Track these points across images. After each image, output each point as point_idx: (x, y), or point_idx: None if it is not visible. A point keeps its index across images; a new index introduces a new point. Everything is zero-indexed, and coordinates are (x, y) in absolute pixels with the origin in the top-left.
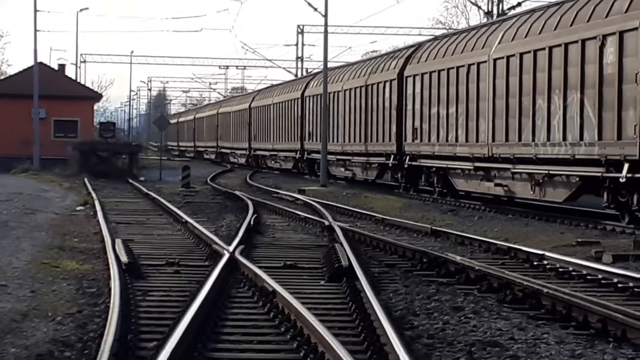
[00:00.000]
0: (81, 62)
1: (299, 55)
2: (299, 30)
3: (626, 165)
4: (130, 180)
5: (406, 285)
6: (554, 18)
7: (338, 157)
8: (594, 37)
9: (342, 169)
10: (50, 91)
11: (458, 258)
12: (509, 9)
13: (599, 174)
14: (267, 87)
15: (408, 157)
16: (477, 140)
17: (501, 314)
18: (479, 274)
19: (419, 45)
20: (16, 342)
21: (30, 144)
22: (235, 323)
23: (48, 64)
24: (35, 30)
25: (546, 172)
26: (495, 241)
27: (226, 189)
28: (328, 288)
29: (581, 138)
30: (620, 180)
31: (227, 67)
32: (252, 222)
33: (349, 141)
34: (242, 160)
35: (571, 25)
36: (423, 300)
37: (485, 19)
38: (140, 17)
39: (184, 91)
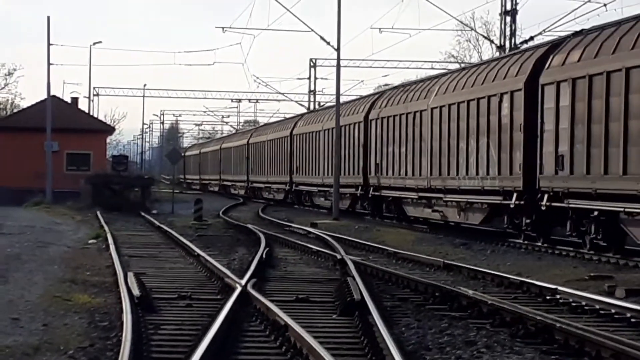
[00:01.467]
0: (94, 95)
1: (312, 88)
2: (312, 64)
3: (515, 195)
4: (143, 213)
5: (418, 319)
6: (472, 77)
7: (319, 188)
8: (495, 94)
9: (323, 199)
10: (63, 124)
11: (470, 292)
12: (522, 42)
13: (499, 201)
14: (262, 125)
15: (372, 188)
16: (420, 174)
17: (514, 349)
18: (492, 308)
19: (382, 93)
20: None
21: (43, 177)
22: (247, 357)
23: (61, 97)
24: (49, 64)
25: (466, 200)
26: (508, 275)
27: (238, 222)
28: (340, 322)
29: (487, 173)
30: (511, 206)
31: (240, 100)
32: (264, 256)
33: (328, 174)
34: (242, 192)
35: (482, 84)
36: (435, 335)
37: (497, 53)
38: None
39: (196, 124)
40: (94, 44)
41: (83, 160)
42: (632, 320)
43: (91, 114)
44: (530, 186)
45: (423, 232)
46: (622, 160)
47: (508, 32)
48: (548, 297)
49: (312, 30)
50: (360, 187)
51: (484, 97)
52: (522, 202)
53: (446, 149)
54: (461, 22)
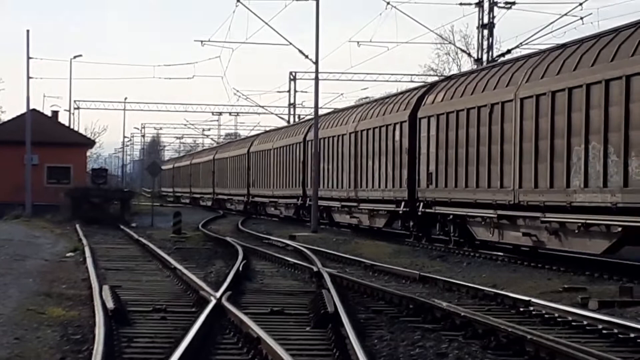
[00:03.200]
0: (75, 108)
1: (292, 101)
2: (292, 77)
3: (402, 203)
4: (122, 227)
5: (391, 332)
6: (377, 109)
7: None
8: (390, 124)
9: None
10: (44, 138)
11: (444, 304)
12: (499, 56)
13: (393, 208)
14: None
15: (308, 199)
16: (342, 187)
17: None
18: (465, 320)
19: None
20: None
21: (22, 191)
22: None
23: (41, 110)
24: (28, 77)
25: (373, 207)
26: (483, 287)
27: (217, 235)
28: (313, 334)
29: (386, 186)
30: (400, 212)
31: (220, 113)
32: (240, 269)
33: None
34: (240, 207)
35: (383, 115)
36: (407, 347)
37: (475, 66)
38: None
39: (177, 137)
40: (74, 57)
41: (63, 173)
42: (604, 331)
43: (72, 127)
44: (412, 196)
45: (400, 244)
46: (465, 176)
47: (485, 46)
48: (522, 309)
49: (291, 43)
50: (300, 198)
51: (384, 126)
52: (407, 209)
53: (359, 166)
54: (440, 36)
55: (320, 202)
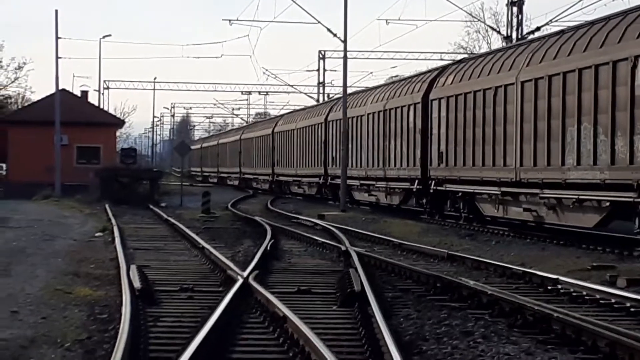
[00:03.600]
0: (104, 88)
1: (321, 80)
2: (321, 56)
3: (416, 181)
4: (151, 206)
5: (418, 310)
6: (392, 91)
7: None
8: (405, 105)
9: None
10: (73, 118)
11: (471, 282)
12: (528, 33)
13: (408, 186)
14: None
15: (330, 178)
16: (360, 166)
17: (510, 339)
18: (491, 298)
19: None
20: None
21: (52, 171)
22: (244, 349)
23: (71, 90)
24: (57, 57)
25: (389, 186)
26: (511, 265)
27: (246, 215)
28: (340, 313)
29: (402, 165)
30: (414, 190)
31: (250, 92)
32: (268, 248)
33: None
34: (266, 186)
35: (398, 97)
36: (434, 325)
37: (504, 44)
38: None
39: (207, 117)
40: (104, 37)
41: (93, 153)
42: (632, 309)
43: (101, 107)
44: (424, 175)
45: (429, 223)
46: (472, 155)
47: (515, 23)
48: (549, 287)
49: (319, 22)
50: (321, 177)
51: (399, 107)
52: (420, 187)
53: (376, 146)
54: (469, 14)
55: (339, 181)
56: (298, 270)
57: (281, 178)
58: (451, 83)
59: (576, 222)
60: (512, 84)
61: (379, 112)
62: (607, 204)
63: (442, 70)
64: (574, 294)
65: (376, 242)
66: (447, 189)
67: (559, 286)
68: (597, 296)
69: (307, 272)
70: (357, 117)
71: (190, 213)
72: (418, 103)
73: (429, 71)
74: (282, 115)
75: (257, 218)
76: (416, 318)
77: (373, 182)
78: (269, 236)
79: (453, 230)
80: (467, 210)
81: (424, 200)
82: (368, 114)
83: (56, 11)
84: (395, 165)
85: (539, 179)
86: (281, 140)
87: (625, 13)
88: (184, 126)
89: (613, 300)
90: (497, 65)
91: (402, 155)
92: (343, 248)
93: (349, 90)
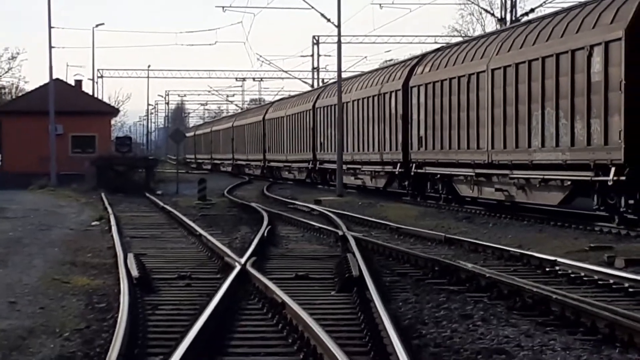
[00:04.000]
0: (98, 77)
1: (315, 66)
2: (315, 41)
3: (398, 165)
4: (147, 194)
5: (416, 294)
6: (376, 78)
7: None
8: (387, 92)
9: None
10: (67, 107)
11: (469, 265)
12: (522, 15)
13: (390, 170)
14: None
15: (318, 162)
16: (346, 150)
17: (509, 321)
18: (490, 281)
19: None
20: (21, 359)
21: (47, 160)
22: (243, 335)
23: (65, 80)
24: (50, 47)
25: (373, 169)
26: (508, 248)
27: (242, 201)
28: (338, 298)
29: (384, 149)
30: (396, 173)
31: (244, 79)
32: (265, 234)
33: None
34: (258, 172)
35: (380, 84)
36: (432, 309)
37: (498, 26)
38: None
39: (201, 104)
40: (97, 26)
41: (88, 142)
42: (630, 290)
43: (96, 96)
44: (406, 159)
45: (425, 206)
46: (449, 139)
47: (509, 5)
48: (547, 269)
49: (312, 7)
50: (310, 162)
51: (382, 94)
52: (402, 170)
53: (361, 131)
54: None
55: (327, 165)
56: (296, 256)
57: (272, 164)
58: (429, 71)
59: (543, 200)
60: (484, 71)
61: (363, 98)
62: (569, 182)
63: (421, 58)
64: (572, 275)
65: (373, 227)
66: (427, 171)
67: (557, 268)
68: (596, 277)
69: (305, 258)
70: (344, 103)
71: (186, 200)
72: (399, 90)
73: (409, 59)
74: (272, 103)
75: (253, 204)
76: (415, 302)
77: (359, 166)
78: (265, 222)
79: (450, 213)
80: (446, 191)
81: (406, 183)
82: (353, 101)
83: (49, 0)
84: (379, 150)
85: (508, 160)
86: (272, 127)
87: (583, 5)
88: (178, 114)
89: (611, 281)
90: (470, 54)
91: (385, 140)
92: (340, 233)
93: (343, 75)
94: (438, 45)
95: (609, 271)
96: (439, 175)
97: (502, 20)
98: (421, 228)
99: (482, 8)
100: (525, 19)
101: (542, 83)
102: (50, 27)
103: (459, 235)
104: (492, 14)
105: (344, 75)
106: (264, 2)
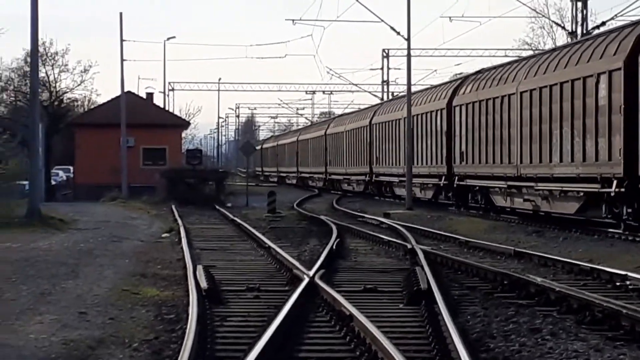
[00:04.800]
0: (169, 90)
1: (385, 79)
2: (384, 54)
3: (443, 177)
4: (217, 207)
5: (485, 308)
6: (425, 97)
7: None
8: (433, 110)
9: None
10: (139, 120)
11: (539, 279)
12: (593, 28)
13: (436, 182)
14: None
15: (375, 175)
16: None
17: (579, 336)
18: (559, 295)
19: (465, 78)
20: None
21: (119, 173)
22: (311, 347)
23: (136, 92)
24: (122, 60)
25: (422, 182)
26: (578, 262)
27: (312, 214)
28: (406, 311)
29: (432, 162)
30: (441, 184)
31: (314, 92)
32: (334, 247)
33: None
34: (320, 184)
35: (429, 102)
36: (501, 323)
37: (569, 39)
38: (225, 44)
39: (271, 117)
40: (168, 39)
41: (159, 155)
42: None
43: (167, 108)
44: (450, 172)
45: (495, 220)
46: (485, 153)
47: (580, 18)
48: (618, 283)
49: (382, 20)
50: (367, 175)
51: (428, 112)
52: (446, 182)
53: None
54: (534, 10)
55: (383, 178)
56: (364, 268)
57: (333, 177)
58: (469, 92)
59: (562, 209)
60: (514, 94)
61: (414, 115)
62: (582, 193)
63: (464, 79)
64: None
65: (442, 240)
66: (468, 183)
67: (628, 282)
68: None
69: (373, 271)
70: (396, 120)
71: (256, 213)
72: (443, 109)
73: (453, 80)
74: (333, 118)
75: (322, 217)
76: (483, 316)
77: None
78: (334, 235)
79: (520, 227)
80: (484, 202)
81: (450, 194)
82: (404, 118)
83: (120, 14)
84: (426, 163)
85: (534, 173)
86: (332, 141)
87: (595, 37)
88: (249, 126)
89: None
90: (504, 77)
91: (432, 155)
92: (409, 246)
93: (413, 89)
94: (509, 59)
95: None
96: (477, 187)
97: (573, 34)
98: (490, 242)
99: (552, 21)
100: (596, 32)
101: (560, 105)
102: (122, 40)
103: (529, 249)
104: (563, 27)
105: (415, 88)
106: (333, 15)
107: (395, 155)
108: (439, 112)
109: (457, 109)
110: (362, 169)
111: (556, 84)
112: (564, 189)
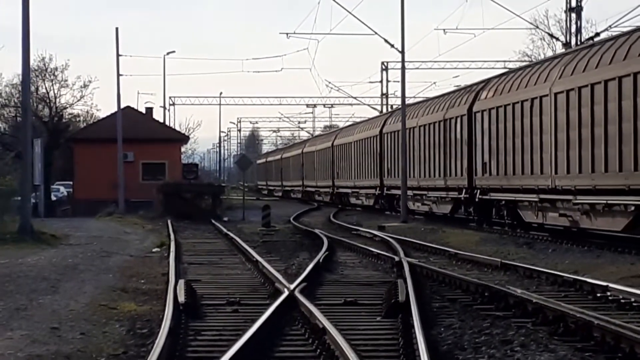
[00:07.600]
0: (170, 104)
1: (384, 92)
2: (383, 67)
3: (463, 190)
4: (213, 221)
5: (462, 320)
6: (435, 106)
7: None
8: (452, 117)
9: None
10: (138, 134)
11: (518, 291)
12: (588, 39)
13: (456, 195)
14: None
15: (386, 188)
16: (449, 175)
17: (549, 347)
18: (536, 306)
19: (487, 81)
20: None
21: (118, 187)
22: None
23: (136, 107)
24: (118, 75)
25: (438, 195)
26: (562, 273)
27: (306, 228)
28: (382, 324)
29: (450, 175)
30: (462, 198)
31: (315, 105)
32: (321, 260)
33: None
34: (327, 199)
35: (442, 110)
36: (474, 334)
37: (564, 50)
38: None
39: (273, 131)
40: (168, 53)
41: (158, 169)
42: None
43: (167, 123)
44: (471, 184)
45: (488, 232)
46: (512, 164)
47: (574, 30)
48: (599, 295)
49: (376, 33)
50: (377, 188)
51: (447, 119)
52: (467, 196)
53: (426, 157)
54: (530, 22)
55: (395, 191)
56: (349, 282)
57: (341, 190)
58: (492, 96)
59: (607, 225)
60: (546, 95)
61: (429, 124)
62: (632, 208)
63: (486, 83)
64: (622, 300)
65: (432, 253)
66: (492, 197)
67: (609, 293)
68: None
69: (358, 284)
70: (410, 129)
71: (251, 227)
72: (464, 115)
73: (475, 84)
74: (341, 129)
75: (316, 231)
76: (458, 327)
77: (425, 192)
78: (324, 248)
79: (511, 239)
80: (510, 217)
81: (471, 209)
82: (420, 126)
83: (116, 29)
84: (443, 176)
85: (572, 185)
86: (340, 153)
87: None
88: (252, 140)
89: None
90: (533, 78)
91: (450, 166)
92: (397, 259)
93: (411, 101)
94: (507, 70)
95: None
96: (503, 202)
97: (567, 45)
98: (480, 254)
99: (548, 33)
100: (589, 42)
101: (604, 106)
102: (118, 55)
103: (518, 261)
104: (557, 39)
105: (412, 100)
106: (328, 28)
107: (410, 166)
108: (458, 119)
109: (479, 115)
110: (371, 182)
111: (599, 82)
112: (609, 202)
